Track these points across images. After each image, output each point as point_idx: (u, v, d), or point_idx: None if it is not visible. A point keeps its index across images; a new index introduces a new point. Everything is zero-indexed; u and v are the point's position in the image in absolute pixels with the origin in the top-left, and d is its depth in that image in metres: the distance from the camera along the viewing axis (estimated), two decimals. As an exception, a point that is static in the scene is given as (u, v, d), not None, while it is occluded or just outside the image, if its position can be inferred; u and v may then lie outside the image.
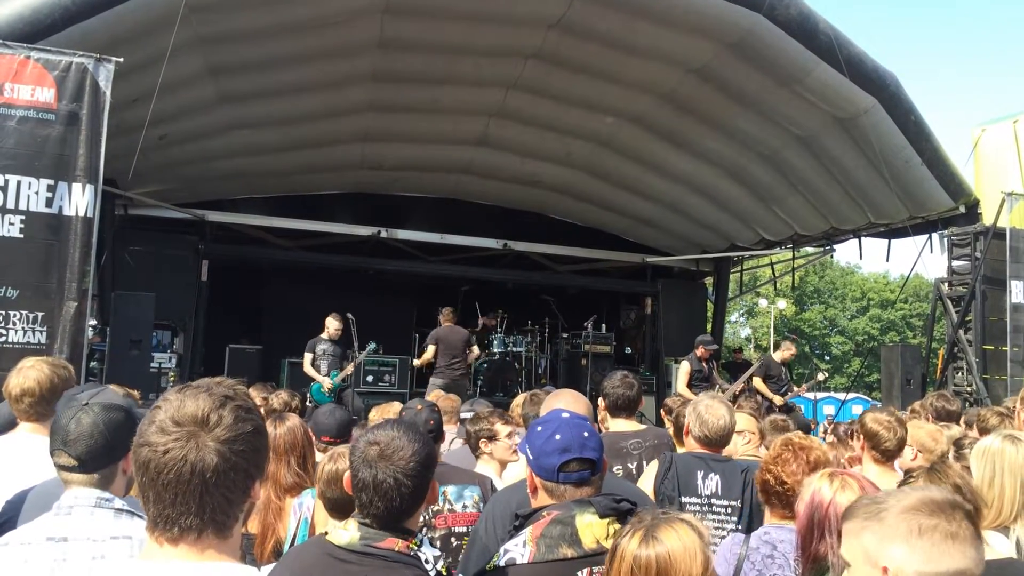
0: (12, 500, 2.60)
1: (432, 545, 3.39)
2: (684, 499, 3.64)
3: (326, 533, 2.16)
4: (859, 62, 9.30)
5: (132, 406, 2.55)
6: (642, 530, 1.92)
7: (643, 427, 4.66)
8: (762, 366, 11.22)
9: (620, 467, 4.16)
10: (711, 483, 3.63)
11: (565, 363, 14.57)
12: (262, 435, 1.54)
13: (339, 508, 2.85)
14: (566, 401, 3.13)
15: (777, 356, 11.42)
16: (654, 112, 11.11)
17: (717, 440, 3.73)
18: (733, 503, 3.59)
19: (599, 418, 4.68)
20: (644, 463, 4.17)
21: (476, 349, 10.69)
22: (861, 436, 3.98)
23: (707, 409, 3.75)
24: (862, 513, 1.62)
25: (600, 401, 4.66)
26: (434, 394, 7.46)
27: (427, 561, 2.11)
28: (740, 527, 3.47)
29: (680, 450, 4.08)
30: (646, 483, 3.77)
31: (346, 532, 2.10)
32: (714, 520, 3.57)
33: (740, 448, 4.30)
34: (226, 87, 9.63)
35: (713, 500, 3.62)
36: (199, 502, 1.43)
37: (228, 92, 9.75)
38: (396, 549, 2.07)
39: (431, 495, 2.25)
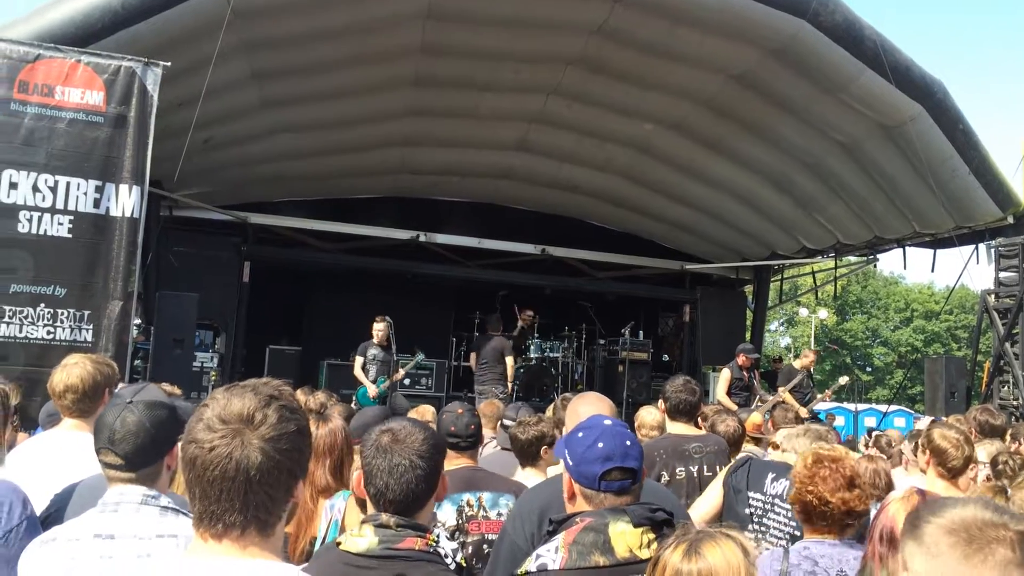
0: (60, 494, 2.63)
1: (464, 548, 3.42)
2: (750, 493, 3.71)
3: (338, 543, 2.12)
4: (906, 69, 9.15)
5: (176, 402, 2.59)
6: (686, 543, 1.88)
7: (703, 432, 4.68)
8: (784, 375, 11.07)
9: (683, 469, 4.22)
10: (779, 486, 3.64)
11: (602, 369, 14.51)
12: (305, 435, 1.56)
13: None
14: (590, 402, 3.12)
15: (797, 364, 11.27)
16: (694, 118, 11.04)
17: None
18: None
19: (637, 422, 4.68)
20: (705, 468, 4.22)
21: (509, 360, 10.64)
22: (927, 451, 3.90)
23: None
24: (908, 524, 1.57)
25: (660, 403, 4.72)
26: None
27: (446, 555, 2.11)
28: (800, 532, 3.45)
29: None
30: (717, 477, 3.87)
31: (362, 539, 2.06)
32: (774, 520, 3.60)
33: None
34: (269, 91, 9.76)
35: (777, 501, 3.64)
36: (243, 499, 1.46)
37: (271, 96, 9.87)
38: (417, 548, 2.05)
39: (441, 489, 2.25)
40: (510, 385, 11.09)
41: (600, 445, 2.33)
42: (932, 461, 3.85)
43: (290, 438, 1.51)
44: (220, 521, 1.46)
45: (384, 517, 2.10)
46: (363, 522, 2.14)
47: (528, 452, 4.02)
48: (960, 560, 1.41)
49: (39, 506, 2.59)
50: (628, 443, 2.36)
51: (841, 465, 2.89)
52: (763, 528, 3.66)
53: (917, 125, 9.56)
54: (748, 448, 5.49)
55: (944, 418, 7.90)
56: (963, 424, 6.10)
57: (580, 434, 2.40)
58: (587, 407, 2.98)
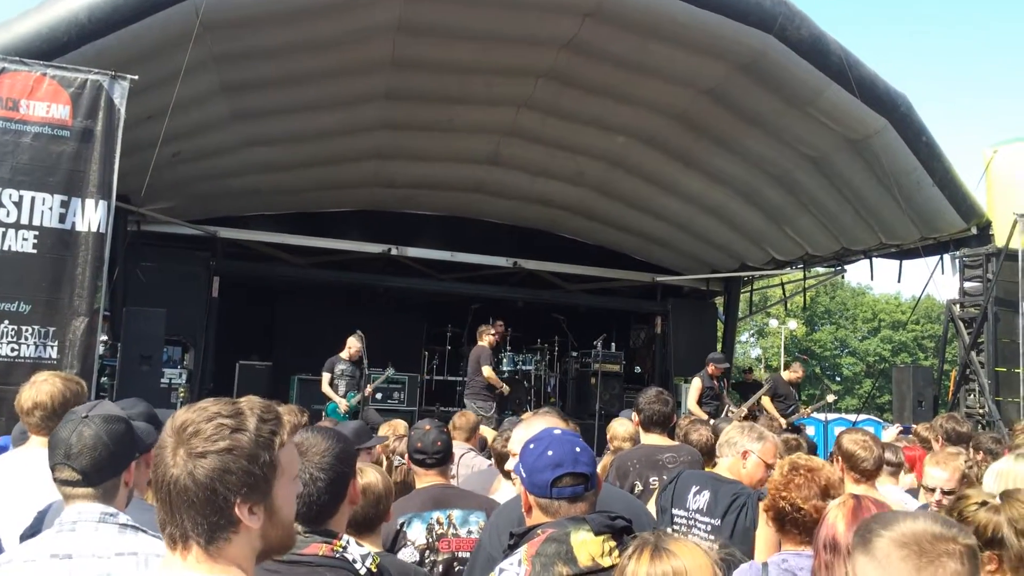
0: (43, 511, 2.58)
1: (435, 567, 3.40)
2: (674, 511, 3.68)
3: None
4: (870, 83, 9.30)
5: (153, 418, 2.54)
6: (650, 547, 1.85)
7: (676, 443, 4.70)
8: (771, 385, 11.18)
9: (656, 479, 4.24)
10: (700, 499, 3.63)
11: (574, 382, 14.55)
12: (241, 456, 1.46)
13: (356, 525, 2.69)
14: (540, 418, 3.12)
15: (786, 376, 11.39)
16: (665, 132, 11.13)
17: None
18: (714, 522, 3.57)
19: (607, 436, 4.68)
20: None
21: (486, 369, 10.47)
22: (839, 457, 3.94)
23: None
24: (858, 536, 1.59)
25: (633, 415, 4.73)
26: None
27: (355, 560, 2.11)
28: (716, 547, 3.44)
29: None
30: (654, 497, 3.83)
31: None
32: (696, 536, 3.53)
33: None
34: (239, 105, 9.70)
35: (697, 516, 3.61)
36: (172, 513, 1.46)
37: (241, 110, 9.81)
38: (320, 553, 2.08)
39: (353, 494, 2.28)
40: (505, 390, 10.82)
41: (550, 453, 2.34)
42: (844, 467, 3.88)
43: (216, 456, 1.44)
44: (165, 531, 1.48)
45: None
46: None
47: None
48: (911, 573, 1.44)
49: (10, 525, 2.53)
50: (578, 449, 2.36)
51: (817, 475, 2.90)
52: None
53: (882, 138, 9.71)
54: None
55: (913, 426, 8.02)
56: (930, 432, 6.18)
57: (531, 445, 2.42)
58: (539, 422, 2.96)
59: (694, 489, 3.66)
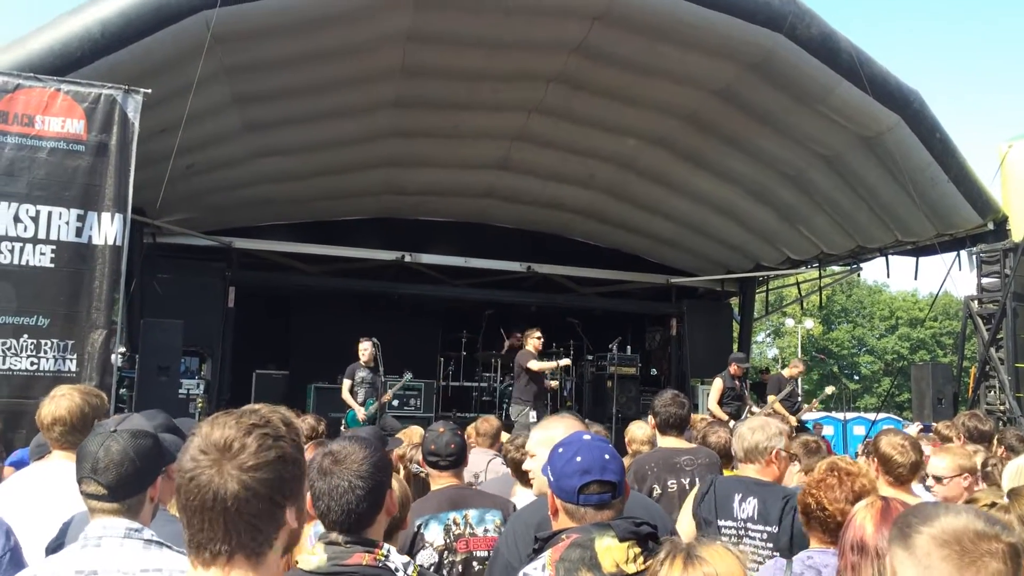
0: (67, 522, 2.58)
1: (453, 568, 3.42)
2: (720, 522, 3.57)
3: (296, 562, 2.14)
4: (882, 80, 9.25)
5: (174, 428, 2.55)
6: (682, 554, 1.85)
7: (693, 445, 4.68)
8: (773, 384, 11.14)
9: (674, 482, 4.21)
10: (748, 507, 3.55)
11: (590, 385, 14.52)
12: (290, 462, 1.54)
13: None
14: (557, 421, 3.09)
15: (786, 373, 11.35)
16: (676, 133, 11.11)
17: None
18: (770, 529, 3.48)
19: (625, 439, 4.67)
20: (697, 480, 4.20)
21: (533, 363, 10.09)
22: (875, 460, 3.92)
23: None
24: (896, 529, 1.56)
25: (650, 419, 4.72)
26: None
27: (397, 569, 2.11)
28: (777, 555, 3.40)
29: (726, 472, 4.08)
30: (685, 508, 3.75)
31: (314, 556, 2.11)
32: (750, 545, 3.47)
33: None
34: (251, 116, 9.76)
35: (749, 524, 3.53)
36: (224, 528, 1.46)
37: (253, 120, 9.87)
38: (364, 563, 2.09)
39: (390, 504, 2.28)
40: (552, 388, 10.65)
41: (579, 459, 2.32)
42: (880, 469, 3.85)
43: (271, 466, 1.50)
44: (207, 549, 1.47)
45: (334, 535, 2.16)
46: (318, 540, 2.19)
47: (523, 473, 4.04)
48: (952, 573, 1.40)
49: (33, 538, 2.55)
50: (607, 456, 2.35)
51: (853, 479, 2.87)
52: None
53: (895, 135, 9.66)
54: None
55: (933, 424, 7.96)
56: (952, 430, 6.14)
57: (560, 449, 2.40)
58: (557, 425, 2.94)
59: (738, 497, 3.57)
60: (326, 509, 2.19)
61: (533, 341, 10.26)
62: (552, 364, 10.34)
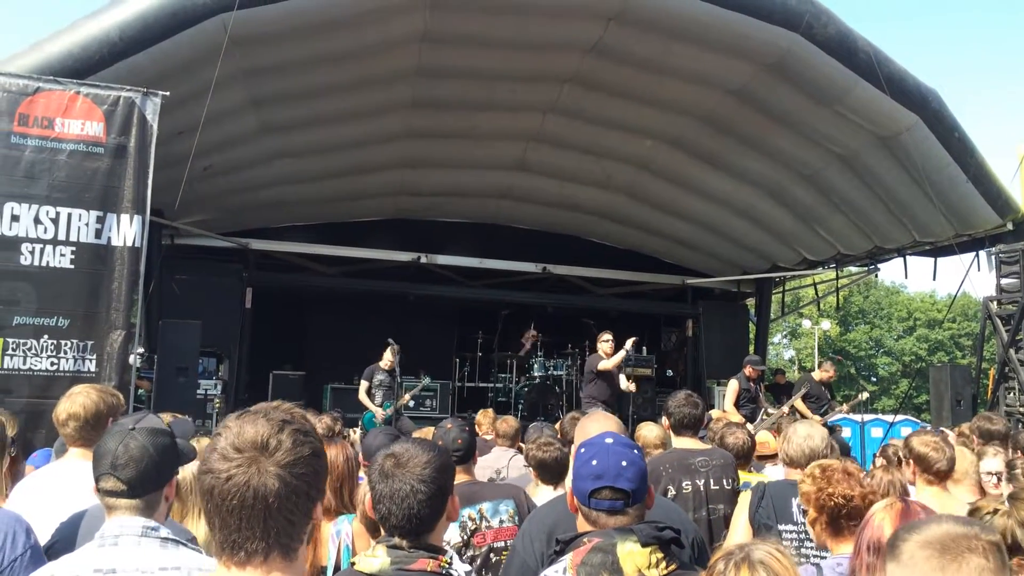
0: (65, 523, 2.62)
1: (473, 563, 3.43)
2: (781, 527, 3.55)
3: (354, 563, 2.13)
4: (900, 80, 9.20)
5: (185, 431, 2.57)
6: (746, 563, 1.80)
7: (708, 446, 4.67)
8: (801, 385, 11.07)
9: (689, 483, 4.20)
10: None
11: (606, 386, 14.47)
12: (320, 457, 1.55)
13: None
14: (597, 420, 3.11)
15: (816, 376, 11.27)
16: (693, 134, 11.08)
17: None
18: None
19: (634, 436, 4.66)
20: (712, 481, 4.19)
21: (602, 363, 9.92)
22: (911, 461, 3.92)
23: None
24: (888, 548, 1.58)
25: (663, 420, 4.72)
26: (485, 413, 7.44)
27: None
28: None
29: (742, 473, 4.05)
30: (740, 514, 3.73)
31: (375, 559, 2.08)
32: (813, 548, 3.42)
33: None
34: (268, 117, 9.82)
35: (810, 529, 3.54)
36: (263, 526, 1.45)
37: (270, 122, 9.93)
38: (428, 569, 2.05)
39: (452, 509, 2.24)
40: (631, 388, 10.53)
41: (594, 463, 2.31)
42: (917, 469, 3.87)
43: (306, 462, 1.51)
44: (242, 549, 1.46)
45: (396, 539, 2.12)
46: (378, 542, 2.15)
47: (552, 470, 4.11)
48: (936, 570, 1.46)
49: (45, 536, 2.57)
50: (624, 463, 2.31)
51: (848, 472, 2.89)
52: (800, 561, 3.55)
53: (913, 135, 9.59)
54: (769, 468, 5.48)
55: (943, 429, 7.89)
56: (962, 439, 6.10)
57: (582, 450, 2.40)
58: (594, 425, 2.98)
59: (795, 501, 3.49)
60: (387, 513, 2.15)
61: (603, 345, 10.22)
62: (620, 356, 10.08)
